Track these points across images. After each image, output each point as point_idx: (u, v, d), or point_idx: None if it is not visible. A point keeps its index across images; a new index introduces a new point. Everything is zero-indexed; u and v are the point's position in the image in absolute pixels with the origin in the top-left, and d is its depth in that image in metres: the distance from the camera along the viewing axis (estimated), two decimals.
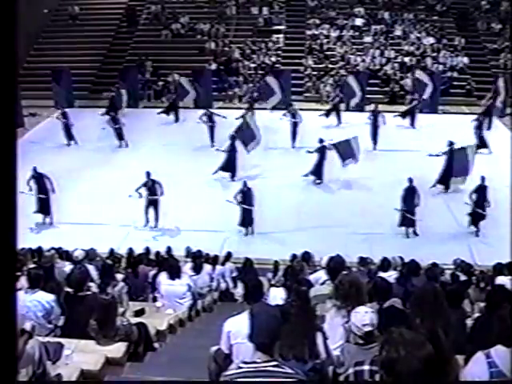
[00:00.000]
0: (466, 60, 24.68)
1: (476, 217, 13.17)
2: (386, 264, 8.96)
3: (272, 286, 8.42)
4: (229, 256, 11.18)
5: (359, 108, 21.94)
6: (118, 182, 15.63)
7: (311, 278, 7.01)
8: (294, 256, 10.22)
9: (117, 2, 28.68)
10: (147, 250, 11.18)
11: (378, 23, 26.70)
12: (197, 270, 9.62)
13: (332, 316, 4.74)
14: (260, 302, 4.43)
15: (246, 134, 16.83)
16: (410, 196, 13.00)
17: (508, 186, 13.07)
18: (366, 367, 3.34)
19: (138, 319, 6.48)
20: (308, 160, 15.95)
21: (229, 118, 18.36)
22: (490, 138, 18.10)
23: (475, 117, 18.84)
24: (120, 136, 18.58)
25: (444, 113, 21.93)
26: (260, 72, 24.72)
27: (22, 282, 5.90)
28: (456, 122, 19.60)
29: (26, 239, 10.65)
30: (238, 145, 16.33)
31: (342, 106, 21.86)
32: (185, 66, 24.06)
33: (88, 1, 28.47)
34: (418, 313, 4.45)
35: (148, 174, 13.37)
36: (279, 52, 25.86)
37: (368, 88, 22.62)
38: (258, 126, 17.33)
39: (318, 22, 26.84)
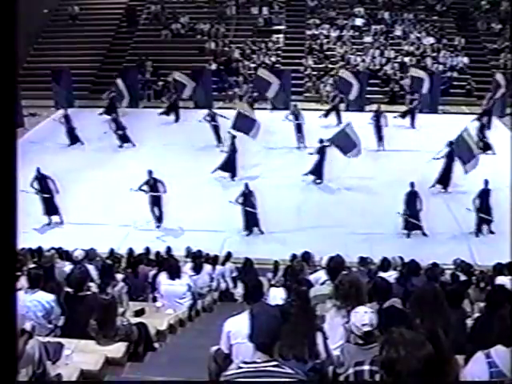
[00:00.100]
0: (465, 60, 24.68)
1: (481, 222, 13.14)
2: (386, 264, 8.96)
3: (272, 286, 8.41)
4: (229, 256, 11.19)
5: (359, 108, 21.96)
6: (118, 182, 15.62)
7: (311, 278, 7.01)
8: (294, 256, 10.22)
9: (117, 2, 28.68)
10: (147, 250, 11.18)
11: (378, 23, 26.70)
12: (197, 269, 9.61)
13: (332, 316, 4.74)
14: (260, 302, 4.42)
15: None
16: (412, 200, 12.99)
17: (508, 187, 13.07)
18: (366, 367, 3.34)
19: (138, 319, 6.49)
20: (308, 160, 15.96)
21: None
22: (490, 138, 18.08)
23: (475, 117, 18.87)
24: (124, 139, 18.55)
25: (444, 113, 21.93)
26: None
27: (22, 282, 5.91)
28: (456, 122, 19.57)
29: (27, 239, 10.64)
30: (239, 145, 16.33)
31: (342, 106, 21.88)
32: (185, 65, 24.03)
33: (88, 1, 28.47)
34: (418, 313, 4.46)
35: (150, 172, 13.38)
36: (279, 52, 25.86)
37: (368, 88, 22.64)
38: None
39: (317, 21, 26.85)
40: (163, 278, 8.04)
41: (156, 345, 6.26)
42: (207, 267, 9.91)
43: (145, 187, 13.37)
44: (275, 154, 17.94)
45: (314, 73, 24.54)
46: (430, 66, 24.47)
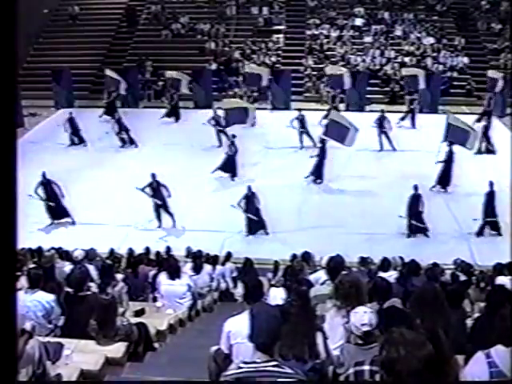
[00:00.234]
0: (466, 60, 24.68)
1: (485, 224, 13.12)
2: (386, 264, 8.96)
3: (272, 286, 8.41)
4: (229, 256, 11.18)
5: (359, 108, 21.99)
6: (118, 182, 15.64)
7: (311, 277, 7.01)
8: (294, 256, 10.22)
9: (117, 2, 28.68)
10: (147, 250, 11.18)
11: (378, 23, 26.70)
12: (197, 270, 9.62)
13: (332, 316, 4.74)
14: (260, 302, 4.42)
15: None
16: (416, 203, 12.97)
17: (508, 187, 13.06)
18: (367, 367, 3.34)
19: (138, 319, 6.49)
20: (308, 160, 15.95)
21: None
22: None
23: (475, 119, 18.90)
24: (126, 140, 18.56)
25: (444, 113, 21.87)
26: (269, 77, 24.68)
27: (22, 282, 5.91)
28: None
29: (28, 239, 10.62)
30: (238, 145, 16.33)
31: (342, 106, 21.89)
32: (185, 66, 24.03)
33: (88, 1, 28.47)
34: (418, 313, 4.46)
35: (153, 175, 13.35)
36: (279, 52, 25.85)
37: (368, 88, 22.64)
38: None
39: (318, 21, 26.84)
40: (163, 278, 8.04)
41: (156, 345, 6.26)
42: (207, 267, 9.91)
43: (147, 189, 13.34)
44: (275, 154, 17.94)
45: (314, 73, 24.54)
46: (430, 66, 24.48)
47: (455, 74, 24.31)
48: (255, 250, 12.18)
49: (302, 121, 18.09)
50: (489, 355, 3.22)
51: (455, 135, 15.19)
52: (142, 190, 13.32)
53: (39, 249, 10.22)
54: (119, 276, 8.66)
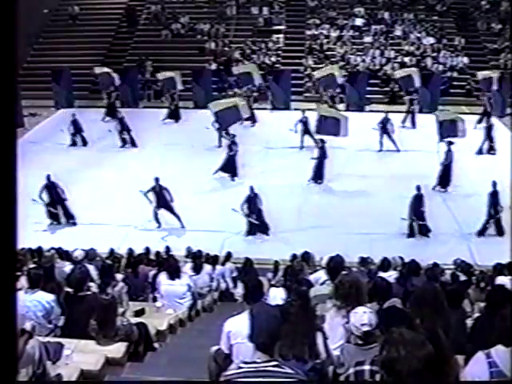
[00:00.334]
0: (465, 60, 24.68)
1: (488, 223, 13.13)
2: (386, 264, 8.95)
3: (272, 286, 8.42)
4: (229, 256, 11.18)
5: (359, 108, 22.00)
6: (118, 182, 15.65)
7: (311, 277, 7.01)
8: (294, 256, 10.22)
9: (117, 2, 28.68)
10: (147, 250, 11.18)
11: (378, 23, 26.70)
12: (197, 270, 9.61)
13: (332, 316, 4.74)
14: (260, 302, 4.42)
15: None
16: (418, 204, 12.96)
17: (508, 187, 13.05)
18: (367, 367, 3.34)
19: (138, 319, 6.49)
20: (308, 160, 15.95)
21: None
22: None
23: (477, 119, 18.94)
24: (126, 140, 18.57)
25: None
26: (260, 72, 24.69)
27: (22, 282, 5.90)
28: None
29: (28, 239, 10.62)
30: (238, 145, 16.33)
31: (342, 106, 21.90)
32: (185, 66, 24.03)
33: (88, 1, 28.47)
34: (418, 313, 4.45)
35: (157, 179, 13.34)
36: (279, 52, 25.85)
37: (368, 88, 22.64)
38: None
39: (318, 22, 26.84)
40: (163, 278, 8.04)
41: (156, 345, 6.26)
42: (207, 267, 9.90)
43: (150, 194, 13.33)
44: (275, 154, 17.94)
45: (314, 73, 24.50)
46: (430, 66, 24.49)
47: (455, 74, 24.31)
48: (255, 250, 12.19)
49: (305, 123, 18.05)
50: (489, 355, 3.22)
51: (447, 130, 15.34)
52: (145, 194, 13.30)
53: (39, 249, 10.22)
54: (119, 276, 8.66)
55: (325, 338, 4.24)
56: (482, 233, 13.06)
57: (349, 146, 17.89)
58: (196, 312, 8.53)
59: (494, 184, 12.98)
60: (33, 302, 5.47)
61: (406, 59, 24.81)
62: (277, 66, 24.99)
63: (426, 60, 24.76)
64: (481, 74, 21.39)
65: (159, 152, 17.97)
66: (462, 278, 9.17)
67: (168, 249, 11.43)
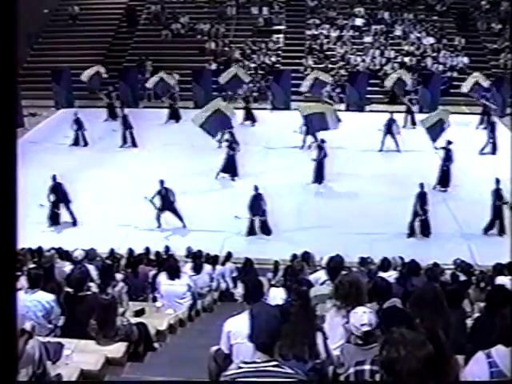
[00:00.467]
0: (466, 60, 24.68)
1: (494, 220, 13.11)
2: (386, 264, 8.95)
3: (272, 286, 8.41)
4: (229, 256, 11.18)
5: (359, 108, 22.02)
6: (118, 182, 15.65)
7: (311, 277, 7.01)
8: (294, 256, 10.22)
9: (117, 2, 28.68)
10: (147, 250, 11.18)
11: (378, 23, 26.70)
12: (197, 270, 9.61)
13: (332, 316, 4.74)
14: (260, 302, 4.42)
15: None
16: (422, 202, 12.95)
17: (508, 187, 13.05)
18: (367, 367, 3.34)
19: (138, 319, 6.49)
20: (308, 160, 15.95)
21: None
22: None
23: (478, 121, 18.96)
24: (127, 140, 18.57)
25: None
26: (260, 72, 24.74)
27: (22, 282, 5.90)
28: (456, 122, 19.58)
29: (28, 239, 10.61)
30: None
31: (342, 106, 21.90)
32: (185, 66, 24.06)
33: (88, 1, 28.47)
34: (418, 313, 4.45)
35: (162, 182, 13.34)
36: (279, 52, 25.86)
37: (368, 88, 22.64)
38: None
39: (318, 22, 26.85)
40: (163, 278, 8.04)
41: (156, 345, 6.26)
42: (207, 267, 9.90)
43: (156, 198, 13.33)
44: (275, 154, 17.94)
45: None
46: (430, 66, 24.50)
47: (455, 74, 24.30)
48: (255, 250, 12.18)
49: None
50: (489, 355, 3.21)
51: (435, 133, 15.36)
52: (151, 200, 13.28)
53: (39, 249, 10.22)
54: (119, 276, 8.66)
55: (325, 338, 4.24)
56: (488, 230, 13.03)
57: (349, 146, 17.91)
58: (196, 312, 8.53)
59: (497, 181, 12.95)
60: (33, 301, 5.47)
61: (406, 59, 24.81)
62: (277, 66, 25.00)
63: (426, 60, 24.77)
64: (465, 87, 21.14)
65: (159, 152, 17.97)
66: (462, 278, 9.17)
67: (168, 248, 11.43)
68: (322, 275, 6.61)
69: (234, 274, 10.58)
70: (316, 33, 26.33)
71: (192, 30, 27.01)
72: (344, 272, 6.34)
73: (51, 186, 13.31)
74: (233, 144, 16.05)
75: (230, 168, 15.98)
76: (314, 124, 16.06)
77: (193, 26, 27.06)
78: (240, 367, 3.03)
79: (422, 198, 12.96)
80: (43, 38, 27.18)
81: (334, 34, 26.23)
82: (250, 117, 20.85)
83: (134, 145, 18.65)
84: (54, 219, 13.56)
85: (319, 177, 15.64)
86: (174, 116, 21.21)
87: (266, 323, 3.04)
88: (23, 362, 3.74)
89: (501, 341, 3.25)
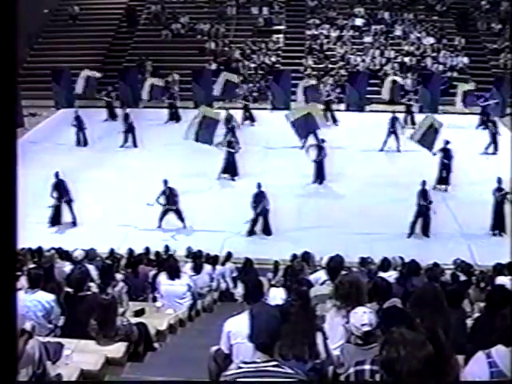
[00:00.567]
0: (466, 60, 24.68)
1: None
2: (386, 264, 8.95)
3: (272, 286, 8.41)
4: (229, 256, 11.17)
5: (359, 108, 22.02)
6: (118, 182, 15.65)
7: (311, 278, 7.01)
8: (294, 256, 10.22)
9: (117, 2, 28.69)
10: (147, 250, 11.18)
11: (378, 23, 26.70)
12: (197, 270, 9.61)
13: (332, 316, 4.74)
14: (260, 302, 4.42)
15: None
16: (424, 199, 12.94)
17: (508, 187, 13.05)
18: (367, 367, 3.33)
19: (138, 319, 6.48)
20: (308, 160, 15.95)
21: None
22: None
23: (478, 123, 18.96)
24: (127, 138, 18.59)
25: (444, 113, 21.90)
26: (260, 72, 24.75)
27: (22, 282, 5.90)
28: (456, 122, 19.59)
29: (28, 239, 10.61)
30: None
31: (342, 106, 21.90)
32: (185, 66, 24.07)
33: (88, 1, 28.48)
34: (418, 313, 4.45)
35: (165, 181, 13.33)
36: (279, 52, 25.87)
37: (368, 88, 22.63)
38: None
39: (318, 22, 26.85)
40: (163, 278, 8.04)
41: (156, 345, 6.25)
42: (207, 267, 9.90)
43: (161, 198, 13.32)
44: (275, 154, 17.94)
45: (314, 73, 24.52)
46: (430, 66, 24.49)
47: (455, 74, 24.30)
48: (255, 250, 12.17)
49: (312, 118, 18.02)
50: (489, 355, 3.21)
51: (428, 142, 15.20)
52: (157, 201, 13.27)
53: (39, 249, 10.22)
54: (119, 276, 8.65)
55: (325, 338, 4.24)
56: (494, 230, 13.03)
57: (349, 146, 17.91)
58: (196, 312, 8.53)
59: (499, 181, 12.93)
60: (33, 301, 5.47)
61: (406, 59, 24.81)
62: (277, 66, 25.01)
63: (426, 60, 24.77)
64: (458, 104, 20.89)
65: (159, 152, 17.97)
66: (462, 278, 9.16)
67: (167, 248, 11.42)
68: (322, 275, 6.61)
69: (234, 274, 10.57)
70: (316, 33, 26.33)
71: (192, 29, 27.02)
72: (344, 272, 6.34)
73: (54, 183, 13.31)
74: (232, 143, 16.03)
75: (230, 168, 15.98)
76: (303, 128, 15.99)
77: (193, 26, 27.07)
78: (240, 367, 3.03)
79: (424, 195, 12.96)
80: (43, 37, 27.19)
81: (334, 34, 26.24)
82: (249, 116, 20.86)
83: (135, 145, 18.66)
84: (56, 218, 13.55)
85: (320, 177, 15.65)
86: (174, 117, 21.21)
87: (265, 323, 3.04)
88: (23, 362, 3.74)
89: (501, 341, 3.25)
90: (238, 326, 4.31)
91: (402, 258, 9.62)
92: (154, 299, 8.32)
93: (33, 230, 12.75)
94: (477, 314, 5.89)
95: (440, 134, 15.37)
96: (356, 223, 13.32)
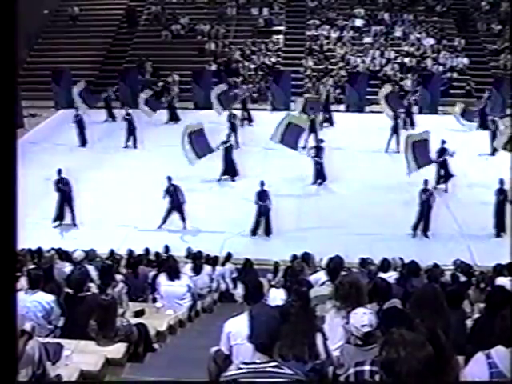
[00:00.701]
0: (465, 61, 24.70)
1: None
2: (386, 265, 8.94)
3: (272, 286, 8.41)
4: (229, 257, 11.17)
5: (359, 109, 22.03)
6: (118, 183, 15.65)
7: (311, 278, 7.01)
8: (294, 257, 10.21)
9: (117, 3, 28.71)
10: (147, 250, 11.18)
11: (378, 24, 26.73)
12: (197, 270, 9.61)
13: (332, 317, 4.74)
14: (260, 302, 4.42)
15: None
16: (428, 199, 12.94)
17: (508, 187, 13.06)
18: (367, 367, 3.33)
19: (138, 320, 6.48)
20: (307, 160, 15.95)
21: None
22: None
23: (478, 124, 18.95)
24: (128, 138, 18.60)
25: (444, 113, 21.93)
26: (260, 73, 24.75)
27: (22, 282, 5.90)
28: (456, 123, 19.59)
29: (28, 239, 10.60)
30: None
31: (342, 106, 21.91)
32: (185, 66, 24.09)
33: (88, 1, 28.49)
34: (418, 313, 4.45)
35: (169, 178, 13.31)
36: (279, 53, 25.87)
37: (368, 89, 22.65)
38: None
39: (318, 22, 26.87)
40: (163, 278, 8.04)
41: (156, 345, 6.25)
42: (207, 268, 9.89)
43: (167, 197, 13.31)
44: (275, 154, 17.92)
45: (314, 74, 24.55)
46: (429, 67, 24.50)
47: (455, 75, 24.32)
48: (255, 250, 12.18)
49: (312, 121, 18.02)
50: (489, 356, 3.21)
51: (423, 160, 14.93)
52: (164, 198, 13.24)
53: (39, 249, 10.22)
54: (119, 277, 8.65)
55: (325, 339, 4.24)
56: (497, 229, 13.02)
57: (348, 147, 17.92)
58: (196, 313, 8.53)
59: (501, 182, 12.92)
60: (33, 302, 5.46)
61: (406, 60, 24.82)
62: (277, 66, 25.02)
63: (426, 61, 24.79)
64: (463, 122, 20.73)
65: (159, 152, 17.97)
66: (462, 278, 9.16)
67: (167, 249, 11.42)
68: (322, 276, 6.61)
69: (234, 275, 10.57)
70: (316, 33, 26.35)
71: (192, 30, 27.03)
72: (344, 273, 6.34)
73: (56, 180, 13.30)
74: (228, 143, 16.01)
75: (229, 168, 15.97)
76: (290, 140, 15.88)
77: (193, 27, 27.08)
78: (240, 368, 3.03)
79: (426, 195, 12.96)
80: (43, 38, 27.21)
81: (334, 34, 26.26)
82: (247, 117, 20.87)
83: (135, 145, 18.67)
84: (60, 214, 13.53)
85: (320, 177, 15.65)
86: (174, 117, 21.19)
87: (265, 324, 3.04)
88: (23, 362, 3.73)
89: (501, 341, 3.25)
90: (237, 327, 4.31)
91: (401, 259, 9.62)
92: (154, 300, 8.32)
93: (33, 231, 12.79)
94: (477, 315, 5.89)
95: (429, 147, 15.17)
96: (356, 224, 13.32)
